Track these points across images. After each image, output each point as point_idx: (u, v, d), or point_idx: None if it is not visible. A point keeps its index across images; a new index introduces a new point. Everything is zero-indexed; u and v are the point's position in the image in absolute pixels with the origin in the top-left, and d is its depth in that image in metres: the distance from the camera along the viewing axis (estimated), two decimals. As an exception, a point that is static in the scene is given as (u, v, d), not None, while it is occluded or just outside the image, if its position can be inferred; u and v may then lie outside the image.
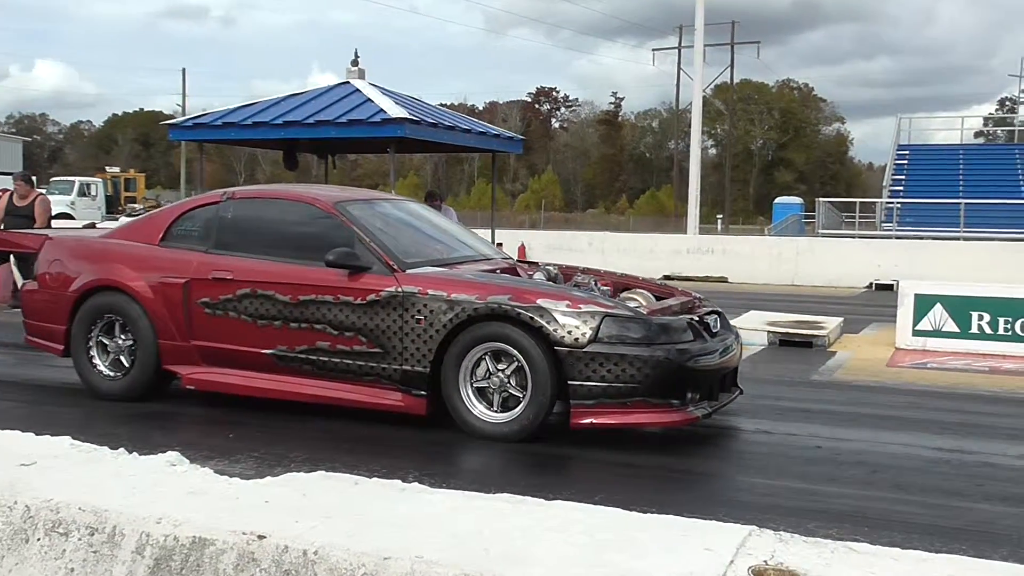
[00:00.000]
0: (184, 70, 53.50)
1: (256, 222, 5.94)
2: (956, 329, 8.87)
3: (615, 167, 78.74)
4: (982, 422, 6.02)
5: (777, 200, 41.79)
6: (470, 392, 5.17)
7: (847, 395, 6.81)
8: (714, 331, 5.46)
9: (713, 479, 4.71)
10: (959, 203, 25.30)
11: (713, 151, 73.15)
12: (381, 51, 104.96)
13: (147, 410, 5.88)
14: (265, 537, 2.33)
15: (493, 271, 5.77)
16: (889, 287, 15.35)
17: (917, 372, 7.86)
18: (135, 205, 39.63)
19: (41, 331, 6.37)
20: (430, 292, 5.22)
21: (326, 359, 5.46)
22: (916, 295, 9.03)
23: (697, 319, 5.37)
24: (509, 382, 5.10)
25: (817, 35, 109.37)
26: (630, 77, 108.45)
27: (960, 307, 8.87)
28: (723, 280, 17.82)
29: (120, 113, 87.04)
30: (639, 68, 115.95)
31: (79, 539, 2.50)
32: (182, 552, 2.37)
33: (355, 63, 14.59)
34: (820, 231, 26.57)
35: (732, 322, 6.19)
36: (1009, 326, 8.70)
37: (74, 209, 32.19)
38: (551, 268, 6.19)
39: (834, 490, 4.47)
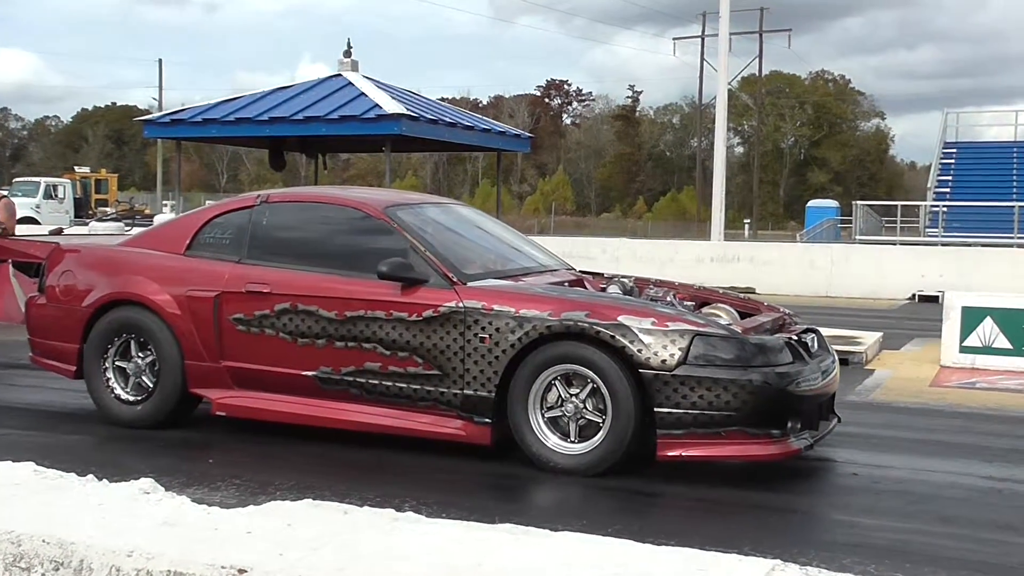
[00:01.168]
0: (161, 61, 54.02)
1: (295, 229, 5.87)
2: (1008, 345, 8.84)
3: (632, 167, 78.83)
4: (1036, 448, 6.00)
5: (810, 203, 41.86)
6: (540, 420, 5.06)
7: (886, 417, 6.80)
8: (813, 352, 5.37)
9: (738, 508, 4.71)
10: (1013, 206, 25.28)
11: (740, 150, 73.27)
12: (377, 40, 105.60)
13: (118, 433, 5.90)
14: (246, 571, 2.35)
15: (561, 284, 5.71)
16: (934, 299, 15.32)
17: (964, 392, 7.85)
18: (107, 208, 39.86)
19: (50, 350, 6.28)
20: (495, 308, 5.12)
21: (376, 382, 5.36)
22: (963, 308, 9.01)
23: (795, 338, 5.28)
24: (585, 409, 5.00)
25: (855, 22, 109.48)
26: (649, 69, 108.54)
27: (1013, 321, 8.84)
28: (750, 291, 17.80)
29: (90, 108, 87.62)
30: (659, 59, 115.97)
31: (43, 574, 2.52)
32: (155, 588, 2.39)
33: (348, 54, 14.71)
34: (857, 237, 26.62)
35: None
36: (1066, 342, 8.68)
37: (39, 213, 32.29)
38: (626, 281, 6.06)
39: (872, 522, 4.46)
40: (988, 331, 8.92)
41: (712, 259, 18.43)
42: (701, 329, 4.92)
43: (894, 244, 23.23)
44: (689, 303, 5.78)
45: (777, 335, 5.27)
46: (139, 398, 5.97)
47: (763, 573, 2.27)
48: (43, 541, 2.56)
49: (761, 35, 53.46)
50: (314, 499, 3.04)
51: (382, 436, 5.46)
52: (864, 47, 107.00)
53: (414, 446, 5.42)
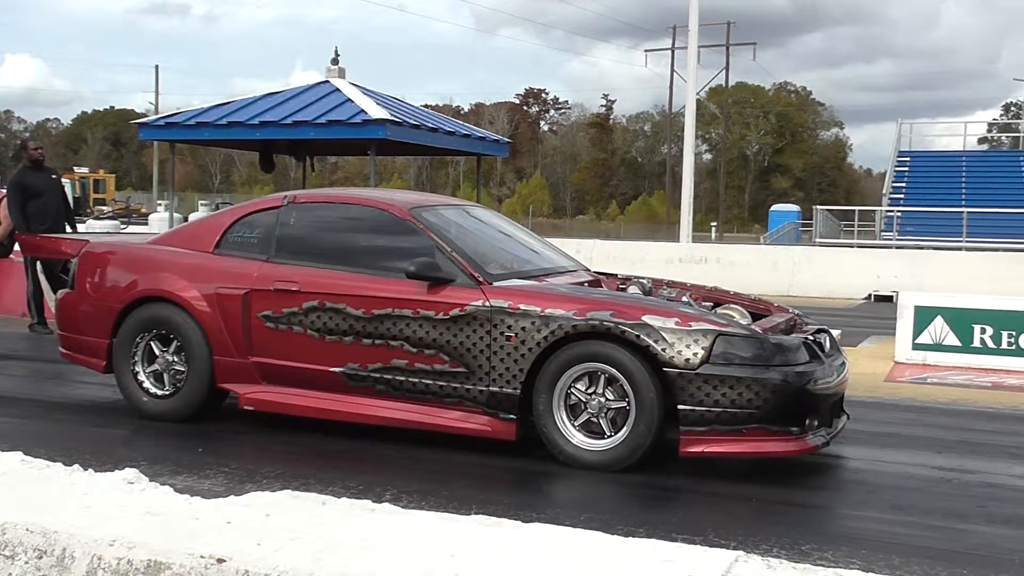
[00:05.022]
0: (157, 67, 53.17)
1: (322, 229, 5.76)
2: (957, 343, 8.88)
3: (606, 172, 78.99)
4: (984, 440, 6.02)
5: (773, 207, 42.02)
6: (564, 417, 4.96)
7: (844, 411, 6.79)
8: (827, 351, 5.31)
9: (702, 498, 4.68)
10: (962, 212, 25.47)
11: (707, 156, 73.54)
12: (365, 49, 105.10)
13: (110, 421, 5.81)
14: (225, 560, 2.29)
15: (581, 284, 5.63)
16: (888, 298, 15.38)
17: (916, 387, 7.87)
18: (104, 208, 39.51)
19: (80, 345, 6.12)
20: (522, 307, 5.01)
21: (403, 379, 5.25)
22: (916, 307, 9.04)
23: (811, 338, 5.22)
24: (609, 406, 4.91)
25: (816, 37, 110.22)
26: (623, 79, 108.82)
27: (962, 320, 8.88)
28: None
29: (90, 111, 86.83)
30: (632, 70, 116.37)
31: (26, 562, 2.46)
32: (136, 576, 2.33)
33: (335, 61, 14.60)
34: (817, 240, 26.71)
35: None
36: (1013, 340, 8.71)
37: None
38: (644, 281, 5.94)
39: (830, 510, 4.44)
40: (939, 329, 8.96)
41: (681, 260, 18.41)
42: (723, 329, 4.82)
43: (852, 247, 23.31)
44: (706, 304, 5.67)
45: (793, 335, 5.20)
46: (168, 392, 5.82)
47: (727, 564, 2.23)
48: (27, 529, 2.49)
49: (728, 48, 53.55)
50: (299, 487, 2.99)
51: (366, 428, 5.39)
52: (825, 61, 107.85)
53: (397, 438, 5.36)
